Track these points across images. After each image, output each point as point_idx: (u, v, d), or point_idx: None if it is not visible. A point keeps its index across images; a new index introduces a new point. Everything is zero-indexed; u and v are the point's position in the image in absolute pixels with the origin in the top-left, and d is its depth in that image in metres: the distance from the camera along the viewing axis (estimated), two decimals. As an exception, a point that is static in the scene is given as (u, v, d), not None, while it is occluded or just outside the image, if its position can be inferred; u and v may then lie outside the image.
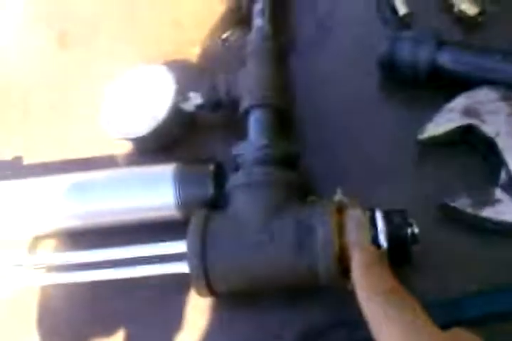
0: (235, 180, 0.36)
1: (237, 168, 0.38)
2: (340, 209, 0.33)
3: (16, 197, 0.41)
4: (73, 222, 0.40)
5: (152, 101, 0.42)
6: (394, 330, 0.25)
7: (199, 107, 0.42)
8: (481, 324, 0.32)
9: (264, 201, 0.34)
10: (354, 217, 0.32)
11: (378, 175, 0.39)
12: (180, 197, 0.38)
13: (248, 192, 0.35)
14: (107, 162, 0.45)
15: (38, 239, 0.42)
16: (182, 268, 0.34)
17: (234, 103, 0.41)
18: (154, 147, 0.44)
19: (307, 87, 0.44)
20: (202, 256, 0.33)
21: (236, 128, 0.41)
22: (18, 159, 0.48)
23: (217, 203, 0.38)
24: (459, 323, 0.28)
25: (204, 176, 0.38)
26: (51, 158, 0.46)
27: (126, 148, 0.45)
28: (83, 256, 0.37)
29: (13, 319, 0.41)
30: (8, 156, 0.48)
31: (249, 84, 0.40)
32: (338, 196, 0.35)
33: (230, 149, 0.39)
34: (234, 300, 0.37)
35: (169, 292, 0.38)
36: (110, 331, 0.39)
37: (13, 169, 0.47)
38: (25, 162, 0.48)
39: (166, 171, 0.38)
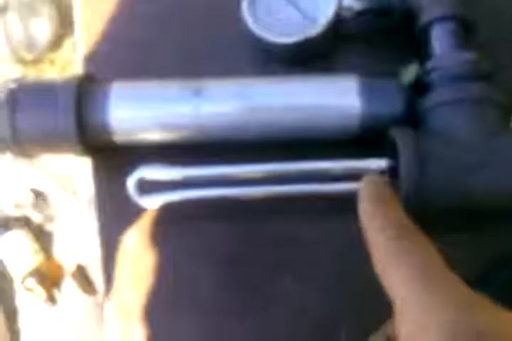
0: (439, 96, 0.33)
1: (424, 86, 0.35)
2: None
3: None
4: (248, 134, 0.35)
5: (310, 3, 0.37)
6: (406, 272, 0.21)
7: (361, 13, 0.37)
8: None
9: (481, 119, 0.32)
10: None
11: None
12: (366, 114, 0.34)
13: (461, 109, 0.32)
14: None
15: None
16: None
17: (405, 12, 0.37)
18: (302, 56, 0.38)
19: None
20: (417, 174, 0.30)
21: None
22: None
23: (404, 122, 0.35)
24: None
25: (394, 91, 0.34)
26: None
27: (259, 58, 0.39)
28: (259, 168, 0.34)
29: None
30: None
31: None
32: None
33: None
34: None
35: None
36: (260, 253, 0.37)
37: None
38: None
39: (350, 83, 0.34)
